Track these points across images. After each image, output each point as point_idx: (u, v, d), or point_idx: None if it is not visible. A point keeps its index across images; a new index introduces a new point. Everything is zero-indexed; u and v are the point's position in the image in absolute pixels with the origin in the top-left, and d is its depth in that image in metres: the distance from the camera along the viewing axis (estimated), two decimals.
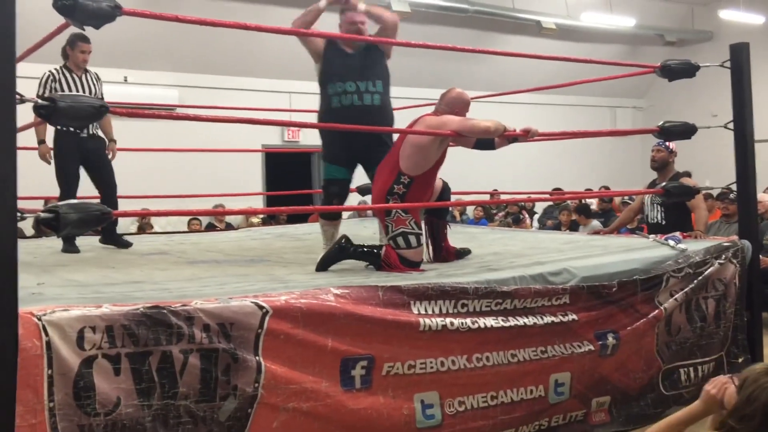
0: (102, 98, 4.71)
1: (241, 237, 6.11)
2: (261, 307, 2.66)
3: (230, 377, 2.58)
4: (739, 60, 4.35)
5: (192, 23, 3.19)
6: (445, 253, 4.04)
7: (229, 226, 9.90)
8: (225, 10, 9.63)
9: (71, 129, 4.80)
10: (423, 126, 3.76)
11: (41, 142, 5.04)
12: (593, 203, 10.46)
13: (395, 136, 4.00)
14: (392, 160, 3.79)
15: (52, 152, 5.01)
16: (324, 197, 4.35)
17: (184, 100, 9.24)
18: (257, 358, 2.63)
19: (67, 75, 4.93)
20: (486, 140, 3.78)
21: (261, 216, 10.35)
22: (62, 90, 4.82)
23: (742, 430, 2.01)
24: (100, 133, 5.16)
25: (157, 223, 9.99)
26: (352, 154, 4.24)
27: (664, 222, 5.49)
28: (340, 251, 3.68)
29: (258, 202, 11.13)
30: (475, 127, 3.64)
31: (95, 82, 5.07)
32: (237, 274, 3.64)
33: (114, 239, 5.13)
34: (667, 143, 5.57)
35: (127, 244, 5.08)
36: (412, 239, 3.69)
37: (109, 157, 5.18)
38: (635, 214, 6.25)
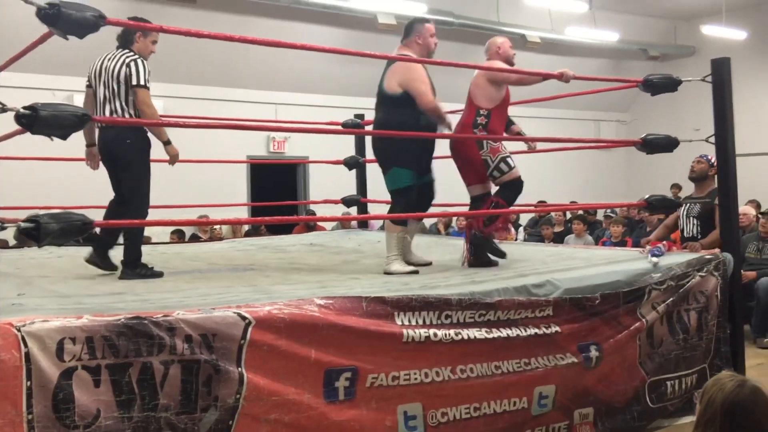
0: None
1: (225, 248, 6.08)
2: (244, 318, 2.64)
3: (212, 388, 2.56)
4: (721, 74, 4.40)
5: (177, 34, 3.19)
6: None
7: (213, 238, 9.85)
8: (211, 21, 9.64)
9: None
10: (482, 72, 4.40)
11: (89, 145, 4.32)
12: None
13: None
14: (468, 102, 4.41)
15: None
16: (406, 203, 4.22)
17: (169, 111, 9.20)
18: (239, 369, 2.61)
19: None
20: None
21: (246, 227, 10.32)
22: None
23: None
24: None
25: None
26: (426, 165, 4.42)
27: (699, 236, 5.47)
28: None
29: (243, 213, 11.09)
30: (510, 77, 4.39)
31: None
32: (220, 284, 3.62)
33: (138, 273, 4.05)
34: (709, 156, 5.48)
35: (158, 274, 4.09)
36: (510, 161, 4.33)
37: (170, 162, 4.33)
38: (670, 231, 6.08)
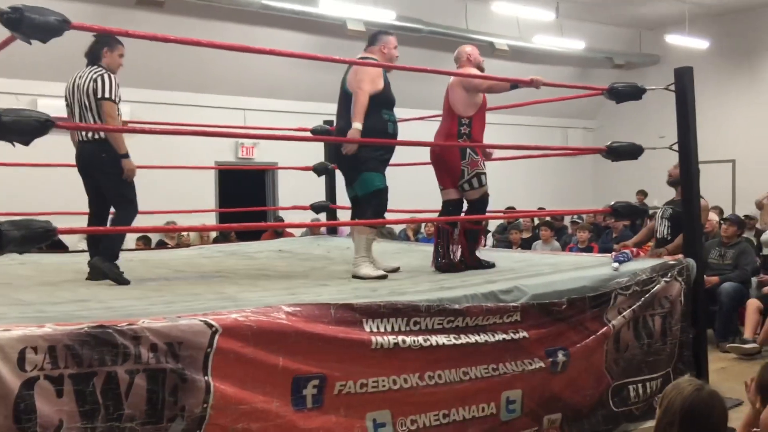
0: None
1: (192, 255, 6.02)
2: (210, 326, 2.61)
3: (178, 398, 2.53)
4: (683, 83, 4.48)
5: (143, 38, 3.16)
6: (459, 262, 4.44)
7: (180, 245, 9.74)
8: (178, 26, 9.55)
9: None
10: (456, 81, 4.53)
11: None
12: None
13: None
14: (447, 112, 4.54)
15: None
16: (381, 205, 4.32)
17: (137, 116, 9.09)
18: (206, 377, 2.58)
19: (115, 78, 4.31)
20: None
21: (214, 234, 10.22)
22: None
23: None
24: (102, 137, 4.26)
25: None
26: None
27: (670, 237, 5.61)
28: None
29: (211, 219, 10.99)
30: (482, 84, 4.50)
31: None
32: (186, 292, 3.58)
33: (111, 269, 4.09)
34: None
35: (124, 282, 4.04)
36: (483, 178, 4.50)
37: (123, 176, 4.24)
38: (652, 233, 6.18)
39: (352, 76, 4.32)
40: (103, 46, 4.29)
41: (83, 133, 4.26)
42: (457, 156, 4.47)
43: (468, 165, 4.46)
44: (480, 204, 4.57)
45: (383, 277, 4.06)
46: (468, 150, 4.47)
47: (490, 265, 4.51)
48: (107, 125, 4.14)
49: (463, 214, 4.62)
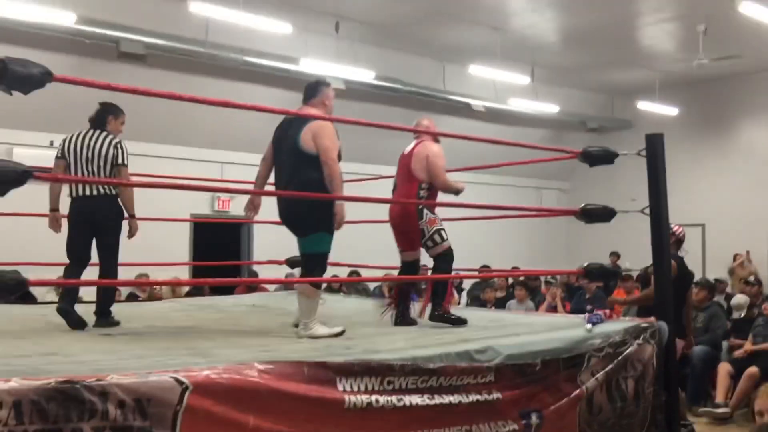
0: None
1: (164, 308, 5.94)
2: (181, 383, 2.56)
3: None
4: (655, 149, 4.58)
5: (124, 92, 3.18)
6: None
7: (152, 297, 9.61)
8: (160, 79, 9.63)
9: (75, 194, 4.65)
10: (423, 151, 4.72)
11: (54, 209, 4.78)
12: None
13: None
14: (406, 176, 4.73)
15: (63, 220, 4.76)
16: (323, 267, 4.25)
17: None
18: None
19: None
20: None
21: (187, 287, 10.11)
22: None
23: None
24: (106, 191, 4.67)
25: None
26: None
27: None
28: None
29: (184, 273, 10.89)
30: (440, 174, 4.70)
31: None
32: (157, 347, 3.52)
33: (108, 322, 4.55)
34: (672, 225, 5.71)
35: (115, 323, 4.57)
36: (444, 234, 4.63)
37: (130, 234, 4.78)
38: None
39: (309, 136, 4.11)
40: (108, 114, 4.78)
41: (93, 186, 4.63)
42: (415, 218, 4.61)
43: (426, 224, 4.60)
44: (445, 257, 4.64)
45: (341, 333, 4.02)
46: (424, 210, 4.62)
47: (461, 321, 4.51)
48: (123, 191, 4.67)
49: (429, 272, 4.79)
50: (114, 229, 4.70)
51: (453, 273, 4.92)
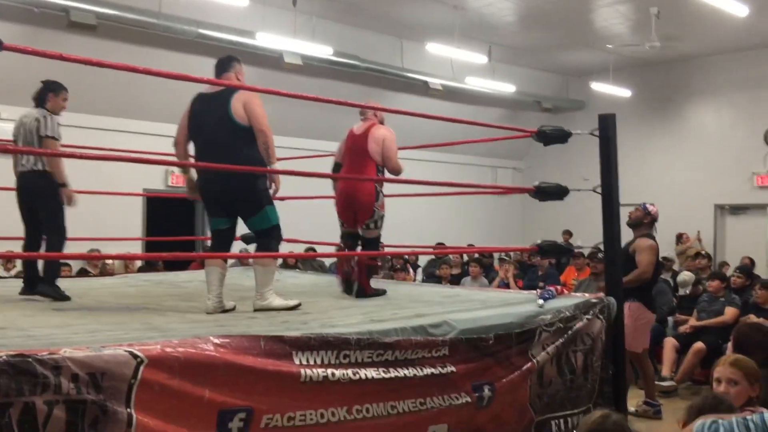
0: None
1: (117, 283, 5.87)
2: (135, 356, 2.55)
3: (98, 430, 2.45)
4: (607, 129, 4.67)
5: (77, 62, 3.11)
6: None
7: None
8: (110, 50, 9.39)
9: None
10: (378, 133, 4.87)
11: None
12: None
13: None
14: (363, 156, 4.83)
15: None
16: (280, 237, 4.30)
17: (64, 139, 8.85)
18: (128, 410, 2.51)
19: (57, 118, 4.84)
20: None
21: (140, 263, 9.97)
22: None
23: None
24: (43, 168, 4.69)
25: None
26: None
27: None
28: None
29: (137, 248, 10.73)
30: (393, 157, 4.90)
31: None
32: (111, 321, 3.49)
33: (53, 290, 4.54)
34: (647, 205, 6.08)
35: (66, 298, 4.50)
36: (382, 221, 4.91)
37: (65, 203, 4.75)
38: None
39: (240, 105, 4.05)
40: (48, 92, 4.85)
41: (24, 163, 4.70)
42: (373, 198, 4.81)
43: (378, 207, 4.85)
44: (376, 242, 4.98)
45: (297, 306, 4.05)
46: (381, 193, 4.85)
47: (381, 293, 4.90)
48: (49, 162, 4.65)
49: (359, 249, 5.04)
50: (48, 202, 4.72)
51: (409, 250, 5.14)
